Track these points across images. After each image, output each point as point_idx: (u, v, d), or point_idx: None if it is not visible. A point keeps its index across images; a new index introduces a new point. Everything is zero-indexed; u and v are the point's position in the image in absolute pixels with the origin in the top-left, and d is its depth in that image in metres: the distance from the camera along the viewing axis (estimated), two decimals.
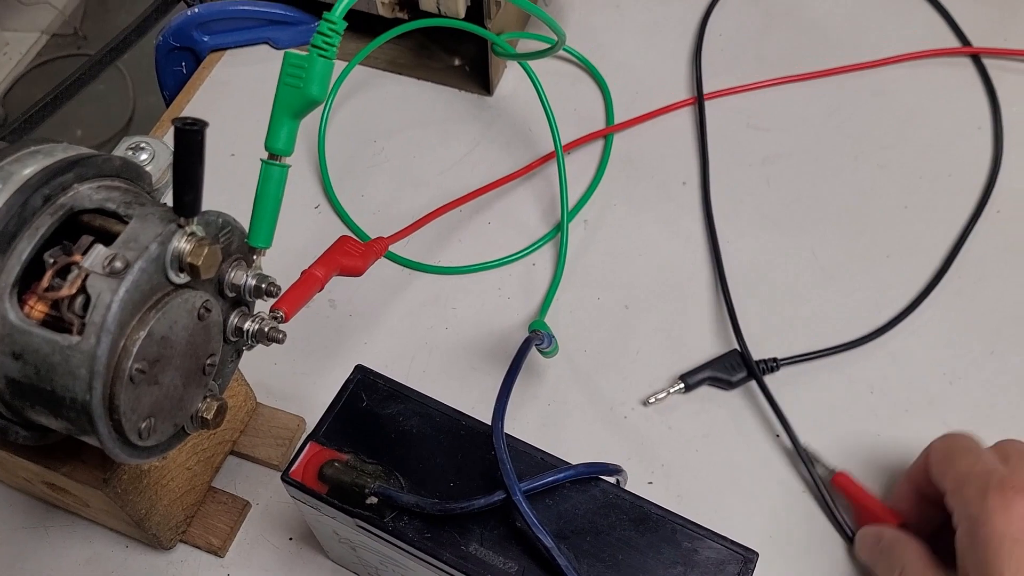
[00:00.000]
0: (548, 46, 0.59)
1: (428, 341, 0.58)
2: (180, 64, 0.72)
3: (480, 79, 0.70)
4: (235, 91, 0.71)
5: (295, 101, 0.37)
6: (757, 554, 0.38)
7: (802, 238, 0.62)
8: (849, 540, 0.49)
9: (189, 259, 0.34)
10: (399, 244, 0.60)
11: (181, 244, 0.34)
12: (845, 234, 0.62)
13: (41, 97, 1.00)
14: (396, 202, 0.64)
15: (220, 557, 0.50)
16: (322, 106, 0.67)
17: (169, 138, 0.34)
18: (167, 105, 0.73)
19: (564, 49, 0.72)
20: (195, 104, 0.70)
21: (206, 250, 0.34)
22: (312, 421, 0.53)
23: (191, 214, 0.34)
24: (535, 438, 0.41)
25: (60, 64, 1.18)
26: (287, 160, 0.38)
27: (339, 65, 0.68)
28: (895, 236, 0.62)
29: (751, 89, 0.70)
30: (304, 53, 0.37)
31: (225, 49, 0.73)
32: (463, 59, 0.72)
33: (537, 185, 0.65)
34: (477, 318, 0.59)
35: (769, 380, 0.54)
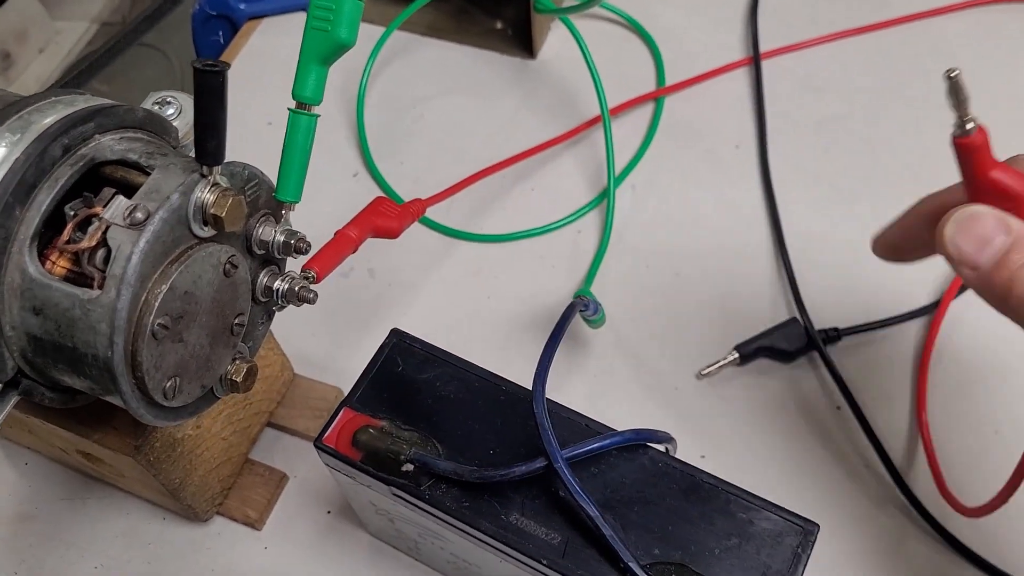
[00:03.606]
0: None
1: (470, 311, 0.56)
2: (217, 33, 0.71)
3: (522, 42, 0.68)
4: (273, 60, 0.69)
5: (323, 46, 0.35)
6: (818, 526, 0.35)
7: (863, 203, 0.59)
8: (923, 517, 0.46)
9: (213, 210, 0.32)
10: (440, 212, 0.58)
11: (204, 194, 0.32)
12: (909, 199, 0.58)
13: (70, 67, 1.00)
14: (436, 169, 0.62)
15: (257, 530, 0.49)
16: (361, 72, 0.65)
17: None
18: None
19: (611, 9, 0.69)
20: (232, 73, 0.68)
21: (230, 200, 0.33)
22: None
23: (214, 163, 0.32)
24: (581, 410, 0.39)
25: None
26: (316, 109, 0.36)
27: (377, 31, 0.66)
28: None
29: (806, 46, 0.66)
30: None
31: (262, 17, 0.71)
32: (504, 22, 0.69)
33: (582, 151, 0.63)
34: (520, 288, 0.57)
35: (830, 351, 0.51)
